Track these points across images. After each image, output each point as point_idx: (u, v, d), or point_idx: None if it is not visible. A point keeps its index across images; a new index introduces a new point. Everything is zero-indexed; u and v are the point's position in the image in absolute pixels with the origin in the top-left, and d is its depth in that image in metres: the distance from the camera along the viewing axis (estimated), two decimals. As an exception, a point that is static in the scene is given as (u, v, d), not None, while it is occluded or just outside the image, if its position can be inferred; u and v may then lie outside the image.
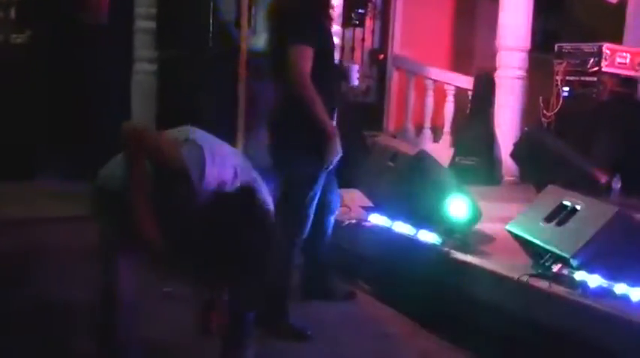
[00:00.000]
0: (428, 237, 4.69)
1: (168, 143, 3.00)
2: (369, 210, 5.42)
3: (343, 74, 5.94)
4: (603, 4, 8.64)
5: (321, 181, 4.20)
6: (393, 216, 5.07)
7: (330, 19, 4.41)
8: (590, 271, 3.71)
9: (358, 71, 5.52)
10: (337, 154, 4.11)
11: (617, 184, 6.17)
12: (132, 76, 7.44)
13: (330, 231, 4.66)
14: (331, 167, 4.17)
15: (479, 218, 4.80)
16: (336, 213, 4.72)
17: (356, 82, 6.21)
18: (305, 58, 4.00)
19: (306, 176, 4.16)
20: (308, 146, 4.07)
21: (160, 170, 2.94)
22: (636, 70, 8.09)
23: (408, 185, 4.86)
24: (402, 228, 4.92)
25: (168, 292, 4.32)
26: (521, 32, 8.29)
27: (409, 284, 4.54)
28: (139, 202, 2.89)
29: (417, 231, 4.78)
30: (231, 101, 7.00)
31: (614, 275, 3.70)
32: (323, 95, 4.01)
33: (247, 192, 2.95)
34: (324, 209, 4.45)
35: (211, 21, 6.95)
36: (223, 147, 3.14)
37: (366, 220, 5.27)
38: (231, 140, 6.18)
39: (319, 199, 4.25)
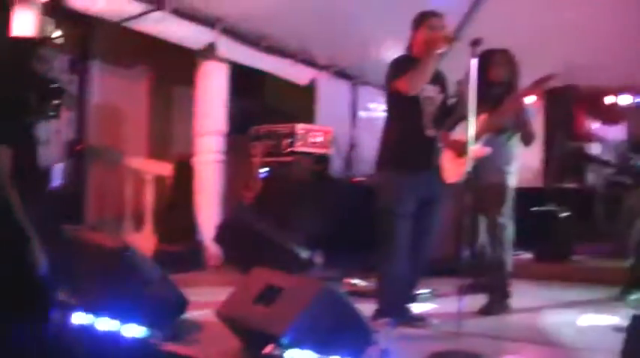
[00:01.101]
0: (134, 331, 4.50)
1: None
2: (71, 308, 5.12)
3: (46, 175, 5.63)
4: (295, 85, 9.00)
5: None
6: (97, 313, 4.82)
7: (34, 114, 4.15)
8: (302, 347, 3.73)
9: (62, 169, 5.23)
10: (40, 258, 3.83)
11: (318, 259, 6.34)
12: None
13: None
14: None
15: (185, 306, 4.69)
16: None
17: (58, 182, 5.86)
18: None
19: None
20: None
21: None
22: (328, 148, 8.48)
23: (111, 279, 4.68)
24: (107, 324, 4.68)
25: None
26: (218, 116, 8.35)
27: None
28: None
29: (123, 326, 4.57)
30: None
31: (324, 348, 3.74)
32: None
33: None
34: None
35: None
36: None
37: (69, 320, 4.97)
38: None
39: None
